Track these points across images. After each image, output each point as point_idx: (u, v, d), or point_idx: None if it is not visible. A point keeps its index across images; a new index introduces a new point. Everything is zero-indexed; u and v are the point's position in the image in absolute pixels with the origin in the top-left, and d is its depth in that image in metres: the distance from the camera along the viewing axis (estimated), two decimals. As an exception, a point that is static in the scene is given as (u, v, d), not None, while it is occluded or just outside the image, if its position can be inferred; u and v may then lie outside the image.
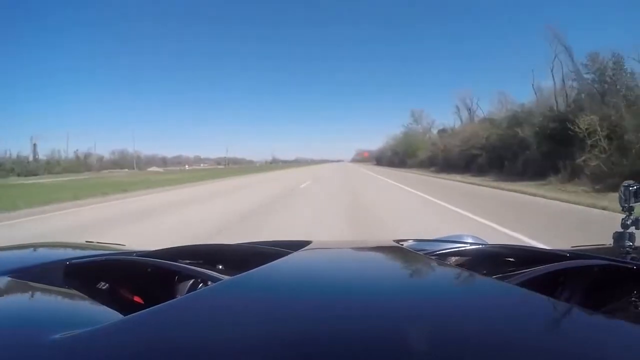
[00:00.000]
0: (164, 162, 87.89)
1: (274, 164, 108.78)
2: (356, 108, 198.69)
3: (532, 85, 19.03)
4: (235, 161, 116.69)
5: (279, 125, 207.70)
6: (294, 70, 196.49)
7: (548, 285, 0.53)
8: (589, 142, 11.13)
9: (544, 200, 8.01)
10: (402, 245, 0.72)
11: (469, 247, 0.70)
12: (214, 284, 0.46)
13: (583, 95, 14.28)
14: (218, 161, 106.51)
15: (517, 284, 0.44)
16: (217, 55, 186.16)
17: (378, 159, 68.42)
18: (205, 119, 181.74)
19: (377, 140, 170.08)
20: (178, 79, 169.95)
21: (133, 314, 0.34)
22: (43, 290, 0.49)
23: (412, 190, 10.73)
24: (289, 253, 0.58)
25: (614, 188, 7.24)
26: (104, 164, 60.88)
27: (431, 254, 0.63)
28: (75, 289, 0.49)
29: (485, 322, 0.34)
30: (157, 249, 0.67)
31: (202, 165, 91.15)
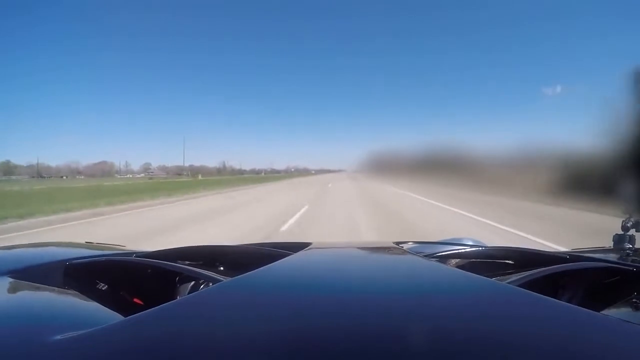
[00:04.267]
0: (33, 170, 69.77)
1: (238, 175, 78.02)
2: (352, 115, 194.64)
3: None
4: (207, 171, 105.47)
5: (271, 132, 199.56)
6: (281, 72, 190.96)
7: (548, 287, 0.54)
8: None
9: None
10: (402, 247, 0.72)
11: (468, 249, 0.70)
12: (214, 285, 0.46)
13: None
14: (177, 170, 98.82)
15: (517, 286, 0.44)
16: (185, 55, 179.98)
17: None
18: (162, 124, 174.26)
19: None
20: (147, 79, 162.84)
21: (133, 315, 0.34)
22: (42, 291, 0.49)
23: None
24: (290, 254, 0.58)
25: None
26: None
27: (431, 256, 0.63)
28: (75, 290, 0.49)
29: (485, 322, 0.34)
30: (157, 249, 0.66)
31: (135, 175, 77.88)
